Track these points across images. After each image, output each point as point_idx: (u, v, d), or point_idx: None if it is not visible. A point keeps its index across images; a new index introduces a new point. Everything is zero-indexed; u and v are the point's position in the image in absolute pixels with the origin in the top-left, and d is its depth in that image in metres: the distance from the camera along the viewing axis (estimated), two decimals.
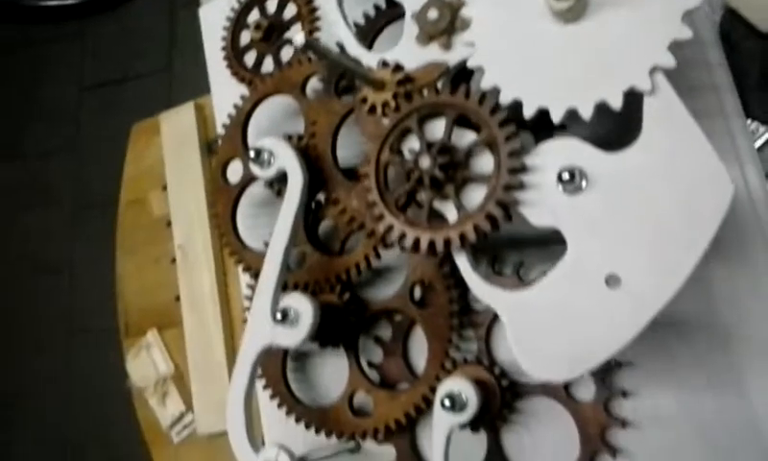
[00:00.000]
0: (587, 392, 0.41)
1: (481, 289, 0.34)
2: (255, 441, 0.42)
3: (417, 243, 0.34)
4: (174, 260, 0.70)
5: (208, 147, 0.69)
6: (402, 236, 0.35)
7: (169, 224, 0.72)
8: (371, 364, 0.47)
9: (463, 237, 0.33)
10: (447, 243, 0.33)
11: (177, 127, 0.72)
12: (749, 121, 0.41)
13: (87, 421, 1.44)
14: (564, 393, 0.41)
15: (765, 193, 0.40)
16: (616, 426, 0.40)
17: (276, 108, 0.50)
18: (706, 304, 0.40)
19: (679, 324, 0.40)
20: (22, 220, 1.67)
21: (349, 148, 0.45)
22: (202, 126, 0.71)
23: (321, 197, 0.47)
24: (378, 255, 0.44)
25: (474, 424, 0.42)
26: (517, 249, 0.44)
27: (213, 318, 0.66)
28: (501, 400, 0.41)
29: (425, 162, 0.33)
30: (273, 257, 0.41)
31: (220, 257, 0.68)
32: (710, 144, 0.30)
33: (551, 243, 0.33)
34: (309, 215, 0.47)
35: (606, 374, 0.40)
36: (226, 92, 0.52)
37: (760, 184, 0.40)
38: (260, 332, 0.41)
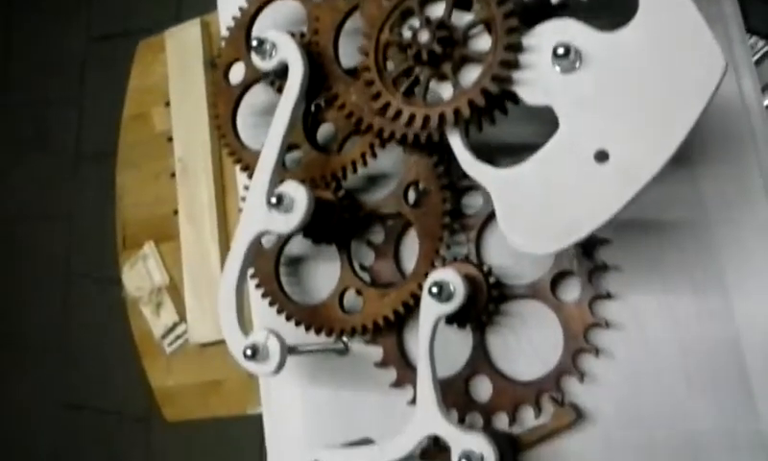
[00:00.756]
0: (573, 293, 0.42)
1: (472, 167, 0.35)
2: (245, 326, 0.42)
3: (412, 119, 0.35)
4: (173, 175, 0.71)
5: (211, 62, 0.69)
6: (398, 113, 0.35)
7: (170, 139, 0.72)
8: (362, 267, 0.47)
9: (457, 112, 0.34)
10: (442, 118, 0.34)
11: (182, 42, 0.73)
12: (748, 36, 0.42)
13: (85, 361, 1.46)
14: (550, 294, 0.42)
15: (759, 102, 0.40)
16: (600, 326, 0.41)
17: (280, 12, 0.50)
18: (695, 211, 0.41)
19: (668, 228, 0.41)
20: (24, 166, 1.68)
21: (352, 56, 0.46)
22: (207, 42, 0.72)
23: (321, 103, 0.47)
24: (374, 154, 0.44)
25: (461, 320, 0.43)
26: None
27: (210, 230, 0.67)
28: (488, 296, 0.42)
29: (424, 36, 0.34)
30: (270, 144, 0.42)
31: (219, 171, 0.68)
32: (705, 23, 0.31)
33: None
34: (309, 117, 0.48)
35: (592, 273, 0.41)
36: (232, 4, 0.53)
37: (755, 94, 0.40)
38: (255, 218, 0.42)
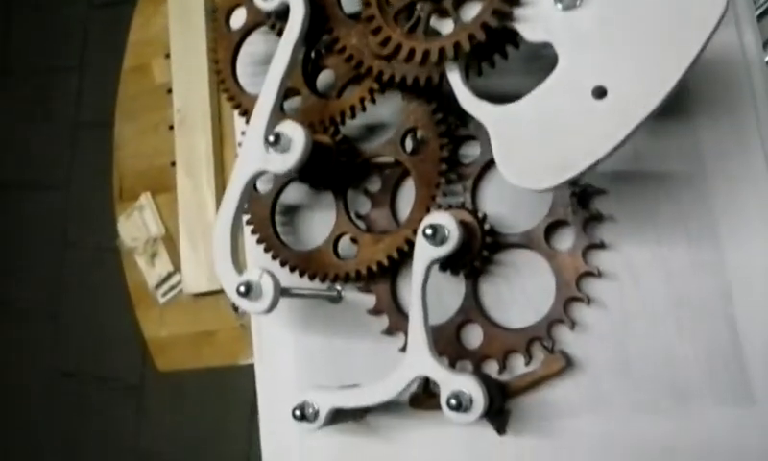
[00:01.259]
0: (566, 243, 0.42)
1: (470, 102, 0.35)
2: (239, 265, 0.42)
3: (411, 54, 0.35)
4: (172, 127, 0.71)
5: (213, 10, 0.69)
6: (398, 47, 0.35)
7: (170, 91, 0.72)
8: (359, 216, 0.47)
9: (457, 46, 0.34)
10: (442, 52, 0.34)
11: None
12: None
13: (80, 329, 1.46)
14: (544, 243, 0.42)
15: (760, 57, 0.40)
16: (593, 275, 0.41)
17: None
18: (692, 163, 0.41)
19: (664, 179, 0.41)
20: (22, 134, 1.67)
21: (354, 2, 0.46)
22: None
23: (322, 50, 0.47)
24: (374, 99, 0.44)
25: (454, 266, 0.43)
26: None
27: (207, 181, 0.67)
28: (482, 243, 0.42)
29: None
30: (269, 84, 0.42)
31: (218, 123, 0.68)
32: None
33: None
34: (309, 63, 0.47)
35: (587, 223, 0.41)
36: None
37: (756, 48, 0.40)
38: (252, 157, 0.42)
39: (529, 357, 0.42)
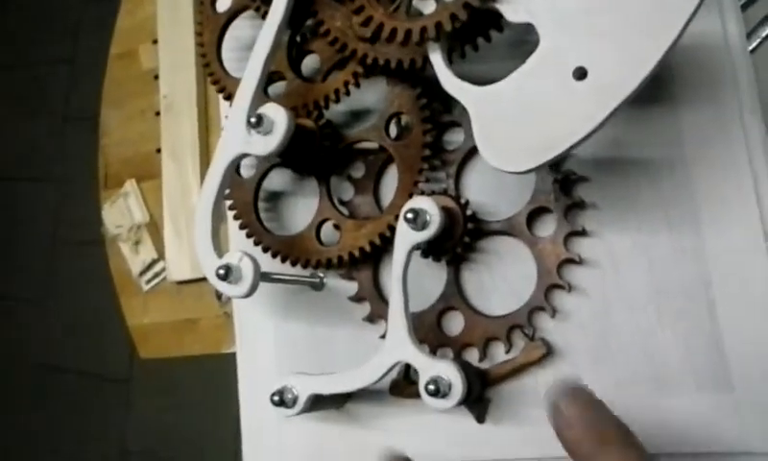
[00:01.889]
0: (548, 230, 0.42)
1: (451, 84, 0.35)
2: (220, 248, 0.42)
3: (393, 33, 0.35)
4: (158, 113, 0.70)
5: None
6: (380, 27, 0.35)
7: (157, 77, 0.72)
8: (342, 202, 0.47)
9: (439, 26, 0.33)
10: (423, 31, 0.34)
11: None
12: None
13: (67, 323, 1.45)
14: (526, 230, 0.42)
15: (743, 46, 0.40)
16: (574, 261, 0.41)
17: None
18: (674, 149, 0.41)
19: (646, 166, 0.41)
20: (12, 126, 1.66)
21: None
22: None
23: (307, 34, 0.47)
24: (357, 83, 0.44)
25: (436, 252, 0.43)
26: None
27: (192, 168, 0.67)
28: (464, 229, 0.42)
29: None
30: (253, 66, 0.42)
31: (204, 110, 0.68)
32: None
33: None
34: (294, 47, 0.47)
35: (569, 210, 0.41)
36: None
37: (739, 37, 0.40)
38: (234, 139, 0.41)
39: (509, 345, 0.42)
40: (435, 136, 0.44)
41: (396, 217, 0.42)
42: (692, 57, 0.40)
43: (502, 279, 0.43)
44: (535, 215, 0.42)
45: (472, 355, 0.43)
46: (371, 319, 0.46)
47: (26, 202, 1.61)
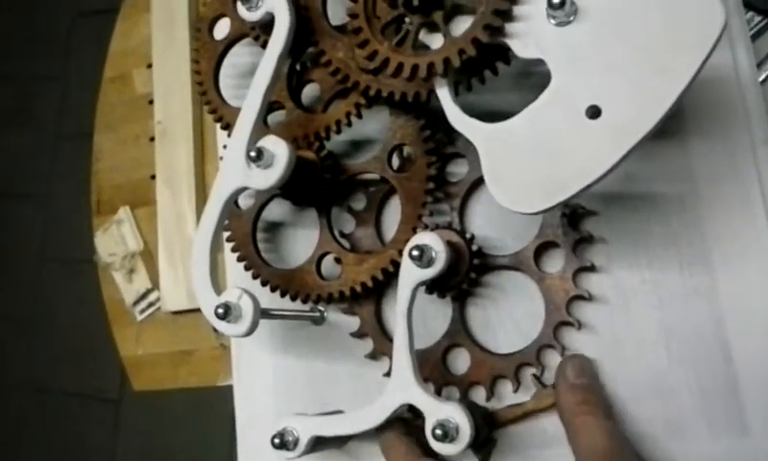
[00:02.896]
0: (556, 265, 0.41)
1: (459, 120, 0.34)
2: (218, 285, 0.41)
3: (400, 67, 0.34)
4: (152, 139, 0.69)
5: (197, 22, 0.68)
6: (386, 62, 0.34)
7: (151, 102, 0.70)
8: (343, 234, 0.46)
9: (447, 61, 0.32)
10: (431, 67, 0.33)
11: (168, 2, 0.71)
12: (744, 10, 0.41)
13: (55, 343, 1.43)
14: (533, 265, 0.41)
15: (754, 78, 0.39)
16: (583, 298, 0.40)
17: None
18: (685, 185, 0.40)
19: (656, 202, 0.40)
20: (3, 142, 1.64)
21: (342, 16, 0.44)
22: (194, 3, 0.70)
23: (307, 63, 0.46)
24: (360, 114, 0.43)
25: (441, 288, 0.42)
26: None
27: (188, 196, 0.65)
28: (469, 265, 0.41)
29: None
30: (252, 97, 0.41)
31: (199, 136, 0.67)
32: None
33: None
34: (294, 76, 0.46)
35: (577, 245, 0.40)
36: None
37: (750, 69, 0.39)
38: (234, 172, 0.40)
39: (517, 383, 0.41)
40: (439, 168, 0.43)
41: (400, 252, 0.41)
42: (702, 89, 0.39)
43: (509, 316, 0.42)
44: (542, 250, 0.41)
45: (479, 394, 0.42)
46: (373, 356, 0.44)
47: (16, 219, 1.59)
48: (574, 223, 0.40)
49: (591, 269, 0.40)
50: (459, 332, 0.43)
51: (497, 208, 0.33)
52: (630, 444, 0.38)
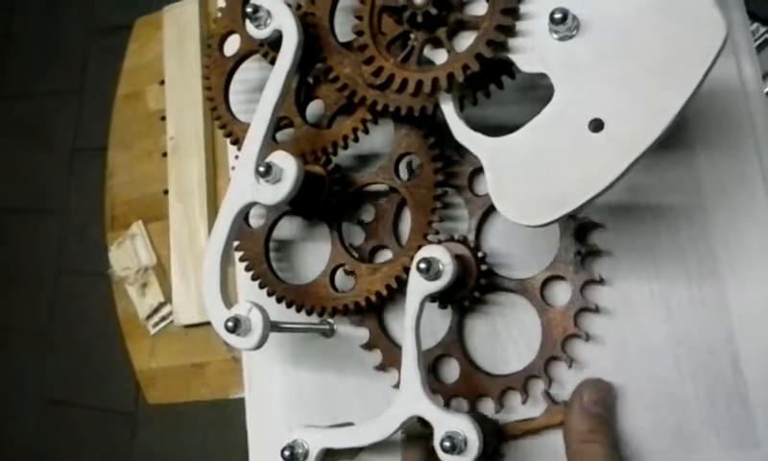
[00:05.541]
0: (561, 300, 0.41)
1: (464, 134, 0.34)
2: (228, 299, 0.41)
3: (404, 83, 0.34)
4: (165, 154, 0.70)
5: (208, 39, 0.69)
6: (391, 77, 0.34)
7: (164, 118, 0.71)
8: (353, 246, 0.46)
9: (451, 76, 0.33)
10: (435, 83, 0.33)
11: (179, 20, 0.72)
12: (749, 22, 0.41)
13: (71, 356, 1.44)
14: (538, 295, 0.41)
15: (760, 89, 0.39)
16: (580, 338, 0.40)
17: None
18: (692, 197, 0.40)
19: (664, 214, 0.40)
20: (20, 158, 1.66)
21: (349, 33, 0.45)
22: (205, 20, 0.71)
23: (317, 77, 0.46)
24: (366, 130, 0.43)
25: (444, 300, 0.42)
26: None
27: (200, 210, 0.66)
28: (476, 282, 0.41)
29: None
30: (261, 113, 0.41)
31: (211, 151, 0.67)
32: None
33: None
34: (301, 91, 0.47)
35: (585, 285, 0.40)
36: None
37: (756, 80, 0.39)
38: (243, 188, 0.41)
39: (500, 406, 0.41)
40: (446, 174, 0.43)
41: (412, 258, 0.41)
42: (708, 101, 0.39)
43: (505, 339, 0.43)
44: (550, 282, 0.41)
45: (461, 406, 0.42)
46: (382, 367, 0.45)
47: (34, 233, 1.60)
48: (585, 260, 0.40)
49: (596, 310, 0.40)
50: (453, 344, 0.43)
51: (513, 230, 0.33)
52: None
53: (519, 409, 0.41)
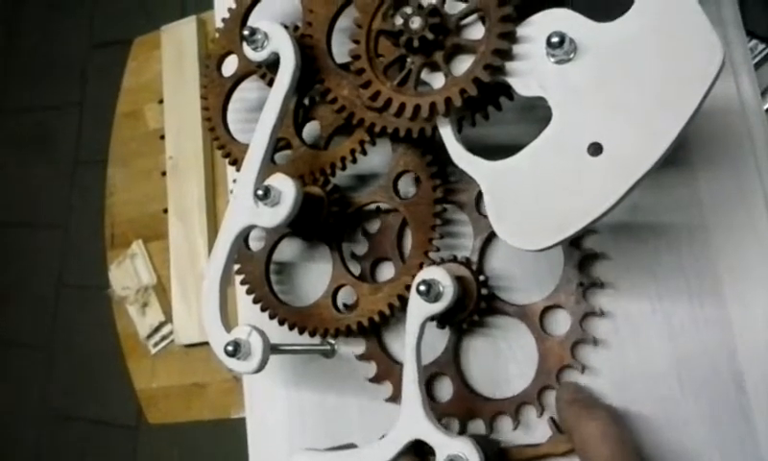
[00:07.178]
0: (560, 330, 0.41)
1: (462, 158, 0.34)
2: (228, 322, 0.41)
3: (402, 108, 0.34)
4: (164, 173, 0.70)
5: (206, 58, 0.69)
6: (388, 102, 0.34)
7: (163, 137, 0.71)
8: (355, 265, 0.46)
9: (448, 101, 0.33)
10: (433, 107, 0.33)
11: (177, 39, 0.72)
12: (747, 39, 0.41)
13: (72, 370, 1.44)
14: (537, 322, 0.41)
15: (759, 106, 0.39)
16: (575, 369, 0.40)
17: (276, 4, 0.49)
18: (693, 215, 0.39)
19: (665, 232, 0.40)
20: (21, 172, 1.67)
21: (347, 54, 0.45)
22: (203, 40, 0.71)
23: (314, 98, 0.46)
24: (364, 151, 0.43)
25: (442, 321, 0.42)
26: None
27: (200, 229, 0.66)
28: (475, 306, 0.41)
29: (416, 23, 0.33)
30: (259, 136, 0.41)
31: (210, 170, 0.67)
32: (703, 13, 0.30)
33: None
34: (299, 112, 0.47)
35: (585, 317, 0.40)
36: None
37: (754, 97, 0.39)
38: (242, 211, 0.41)
39: (490, 430, 0.41)
40: (444, 191, 0.43)
41: (413, 277, 0.41)
42: (707, 119, 0.39)
43: (502, 363, 0.42)
44: (550, 310, 0.41)
45: (452, 426, 0.42)
46: (377, 379, 0.44)
47: (35, 247, 1.61)
48: (586, 292, 0.40)
49: (594, 343, 0.40)
50: (448, 363, 0.43)
51: (517, 253, 0.33)
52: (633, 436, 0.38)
53: (510, 434, 0.41)
